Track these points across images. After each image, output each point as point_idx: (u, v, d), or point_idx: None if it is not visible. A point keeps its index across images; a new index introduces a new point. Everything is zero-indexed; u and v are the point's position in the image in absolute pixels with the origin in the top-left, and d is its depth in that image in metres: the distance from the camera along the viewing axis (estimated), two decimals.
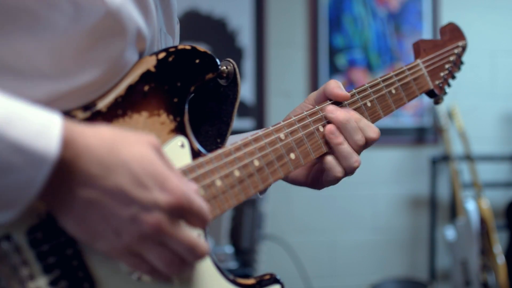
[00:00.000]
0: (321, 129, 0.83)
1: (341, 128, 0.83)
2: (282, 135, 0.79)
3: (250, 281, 0.74)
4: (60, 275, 0.59)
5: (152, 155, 0.60)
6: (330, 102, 0.86)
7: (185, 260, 0.61)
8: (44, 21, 0.63)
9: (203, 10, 3.11)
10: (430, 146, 3.42)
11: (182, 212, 0.60)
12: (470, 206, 3.09)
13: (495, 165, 3.51)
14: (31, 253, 0.58)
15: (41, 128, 0.54)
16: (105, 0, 0.65)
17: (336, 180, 0.85)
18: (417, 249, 3.45)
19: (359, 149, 0.84)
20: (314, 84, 3.24)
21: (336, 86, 0.85)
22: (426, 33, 3.37)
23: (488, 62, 3.53)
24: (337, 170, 0.83)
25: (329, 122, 0.84)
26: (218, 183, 0.70)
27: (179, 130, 0.72)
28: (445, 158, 3.31)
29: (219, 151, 0.72)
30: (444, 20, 3.42)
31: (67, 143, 0.56)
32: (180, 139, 0.72)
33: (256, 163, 0.74)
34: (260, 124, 3.16)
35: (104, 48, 0.67)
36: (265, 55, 3.18)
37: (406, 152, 3.42)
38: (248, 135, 0.77)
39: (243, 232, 2.67)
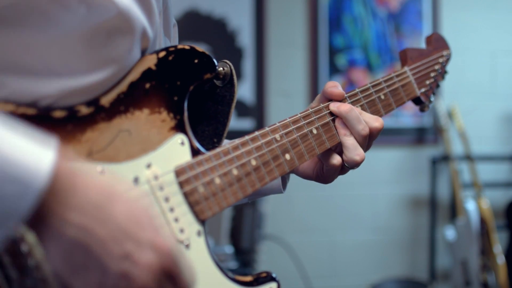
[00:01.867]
0: (315, 131, 0.84)
1: (344, 119, 0.85)
2: (277, 136, 0.80)
3: (248, 278, 0.75)
4: None
5: (147, 209, 0.59)
6: (329, 102, 0.88)
7: None
8: (55, 20, 0.64)
9: (203, 10, 3.11)
10: (430, 146, 3.42)
11: (171, 270, 0.57)
12: (470, 206, 3.09)
13: (495, 165, 3.51)
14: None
15: (31, 156, 0.53)
16: (115, 0, 0.66)
17: (333, 170, 0.86)
18: (417, 249, 3.45)
19: (363, 141, 0.85)
20: (314, 84, 3.24)
21: (332, 86, 0.87)
22: (426, 33, 3.37)
23: (488, 62, 3.53)
24: (335, 159, 0.85)
25: (324, 124, 0.85)
26: (217, 181, 0.71)
27: (179, 128, 0.73)
28: (445, 158, 3.31)
29: (218, 149, 0.73)
30: (444, 20, 3.42)
31: (60, 166, 0.54)
32: (180, 137, 0.73)
33: (253, 162, 0.76)
34: (260, 124, 3.16)
35: (113, 47, 0.69)
36: (265, 55, 3.18)
37: (406, 152, 3.42)
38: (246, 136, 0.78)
39: (243, 232, 2.67)
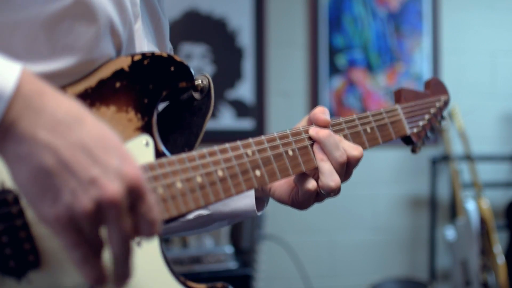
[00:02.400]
0: (290, 152, 0.82)
1: (322, 144, 0.83)
2: (249, 151, 0.78)
3: (201, 286, 0.73)
4: (6, 243, 0.59)
5: (115, 135, 0.58)
6: (310, 126, 0.86)
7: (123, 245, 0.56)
8: (15, 4, 0.65)
9: (203, 10, 3.11)
10: (430, 146, 3.42)
11: (138, 195, 0.56)
12: (470, 206, 3.09)
13: (495, 165, 3.51)
14: None
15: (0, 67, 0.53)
16: None
17: (308, 194, 0.84)
18: (417, 249, 3.45)
19: (340, 168, 0.83)
20: (314, 84, 3.24)
21: (319, 111, 0.86)
22: (426, 33, 3.37)
23: (488, 62, 3.53)
24: (311, 183, 0.83)
25: (301, 148, 0.83)
26: (179, 185, 0.69)
27: (146, 129, 0.73)
28: (445, 158, 3.31)
29: (183, 155, 0.71)
30: (444, 20, 3.42)
31: (27, 80, 0.54)
32: (145, 138, 0.73)
33: (220, 173, 0.73)
34: (260, 124, 3.15)
35: (75, 35, 0.69)
36: (265, 55, 3.18)
37: (406, 152, 3.41)
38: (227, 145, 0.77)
39: (243, 232, 2.67)
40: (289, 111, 3.23)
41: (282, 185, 0.89)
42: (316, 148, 0.84)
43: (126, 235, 0.55)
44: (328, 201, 3.31)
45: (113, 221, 0.54)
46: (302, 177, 0.84)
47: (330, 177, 0.82)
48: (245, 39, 3.16)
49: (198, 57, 3.09)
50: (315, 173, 0.85)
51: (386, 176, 3.38)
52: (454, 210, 3.33)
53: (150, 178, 0.66)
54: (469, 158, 3.28)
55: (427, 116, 1.03)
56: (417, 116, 1.01)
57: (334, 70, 3.28)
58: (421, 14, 3.39)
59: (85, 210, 0.52)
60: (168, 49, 0.92)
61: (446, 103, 1.08)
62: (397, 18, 3.36)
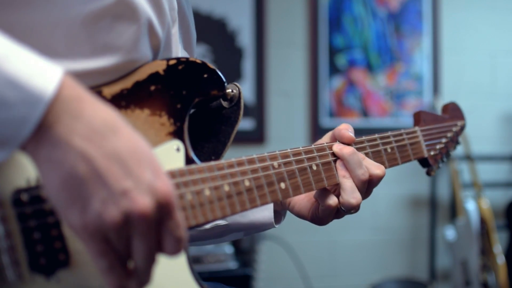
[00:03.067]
0: (314, 167, 0.83)
1: (345, 161, 0.84)
2: (275, 164, 0.78)
3: None
4: (37, 240, 0.59)
5: (150, 148, 0.58)
6: (334, 143, 0.87)
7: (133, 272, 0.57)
8: (57, 2, 0.64)
9: (203, 10, 3.11)
10: None
11: (168, 211, 0.56)
12: (470, 206, 3.09)
13: (495, 165, 3.51)
14: (12, 211, 0.58)
15: (40, 69, 0.53)
16: None
17: (329, 211, 0.84)
18: (417, 249, 3.45)
19: (362, 186, 0.84)
20: (314, 84, 3.24)
21: (344, 128, 0.87)
22: (426, 33, 3.37)
23: (488, 62, 3.53)
24: (332, 199, 0.83)
25: (325, 163, 0.84)
26: (207, 192, 0.69)
27: (177, 134, 0.73)
28: None
29: (213, 163, 0.71)
30: (444, 20, 3.42)
31: (68, 85, 0.54)
32: (177, 143, 0.73)
33: (247, 183, 0.74)
34: (260, 124, 3.16)
35: (117, 34, 0.69)
36: (265, 55, 3.18)
37: None
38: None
39: None
40: (289, 111, 3.23)
41: (302, 199, 0.90)
42: (339, 164, 0.85)
43: (151, 249, 0.56)
44: None
45: (140, 235, 0.54)
46: (323, 193, 0.85)
47: (351, 194, 0.83)
48: (245, 39, 3.16)
49: (198, 57, 3.08)
50: (335, 189, 0.86)
51: (386, 176, 3.34)
52: (454, 210, 3.33)
53: (180, 184, 0.67)
54: (469, 158, 3.28)
55: (444, 140, 1.05)
56: (435, 140, 1.03)
57: (334, 70, 3.27)
58: (421, 14, 3.39)
59: (114, 221, 0.53)
60: (194, 45, 0.93)
61: (462, 128, 1.11)
62: (397, 18, 3.36)
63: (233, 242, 2.66)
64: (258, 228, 0.97)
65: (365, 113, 3.32)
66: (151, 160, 0.56)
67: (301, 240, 3.23)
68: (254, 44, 3.16)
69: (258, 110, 3.17)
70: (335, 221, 0.90)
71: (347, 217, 3.38)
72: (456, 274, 3.18)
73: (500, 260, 3.11)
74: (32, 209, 0.59)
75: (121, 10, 0.69)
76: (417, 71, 3.38)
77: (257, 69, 3.17)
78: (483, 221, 3.12)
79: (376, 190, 0.94)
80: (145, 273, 0.57)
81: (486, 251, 3.13)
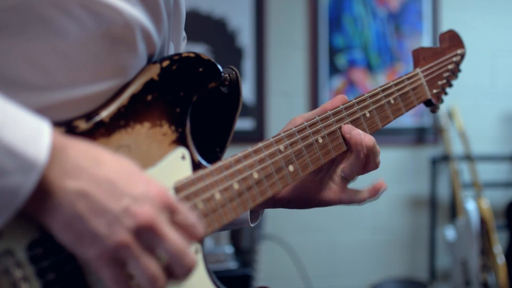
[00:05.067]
0: (320, 140, 0.83)
1: (372, 152, 0.88)
2: (282, 147, 0.78)
3: None
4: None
5: (134, 164, 0.61)
6: (337, 109, 0.86)
7: (171, 273, 0.59)
8: (57, 28, 0.62)
9: (203, 10, 3.11)
10: (430, 146, 3.42)
11: (171, 208, 0.59)
12: (470, 206, 3.09)
13: (495, 165, 3.51)
14: (31, 270, 0.58)
15: (32, 133, 0.54)
16: (122, 11, 0.65)
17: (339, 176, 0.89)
18: (417, 249, 3.45)
19: (365, 165, 0.92)
20: (314, 84, 3.24)
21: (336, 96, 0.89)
22: (426, 33, 3.37)
23: (488, 62, 3.53)
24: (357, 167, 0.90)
25: (330, 133, 0.85)
26: (218, 196, 0.69)
27: (181, 141, 0.72)
28: (445, 158, 3.31)
29: (220, 163, 0.71)
30: (444, 20, 3.42)
31: (54, 138, 0.57)
32: (181, 151, 0.72)
33: (256, 175, 0.74)
34: (260, 124, 3.16)
35: (119, 57, 0.68)
36: (265, 55, 3.18)
37: (406, 152, 3.42)
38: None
39: (243, 232, 2.67)
40: (289, 111, 3.23)
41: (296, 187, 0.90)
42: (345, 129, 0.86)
43: (176, 243, 0.57)
44: None
45: (158, 239, 0.56)
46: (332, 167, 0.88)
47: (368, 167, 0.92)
48: (245, 39, 3.16)
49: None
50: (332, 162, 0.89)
51: (386, 176, 3.38)
52: (454, 210, 3.33)
53: (190, 195, 0.67)
54: (469, 158, 3.28)
55: (445, 74, 1.02)
56: (436, 77, 1.01)
57: (334, 70, 3.27)
58: (421, 14, 3.39)
59: (125, 241, 0.55)
60: (182, 38, 0.90)
61: (462, 57, 1.07)
62: (397, 18, 3.36)
63: (233, 242, 2.66)
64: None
65: None
66: (138, 174, 0.59)
67: (301, 240, 3.22)
68: (254, 44, 3.16)
69: (258, 110, 3.17)
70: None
71: (347, 217, 3.37)
72: (456, 274, 3.18)
73: (500, 260, 3.11)
74: (48, 262, 0.59)
75: (121, 34, 0.67)
76: None
77: (257, 69, 3.17)
78: (483, 221, 3.12)
79: None
80: (180, 263, 0.58)
81: (486, 251, 3.13)
